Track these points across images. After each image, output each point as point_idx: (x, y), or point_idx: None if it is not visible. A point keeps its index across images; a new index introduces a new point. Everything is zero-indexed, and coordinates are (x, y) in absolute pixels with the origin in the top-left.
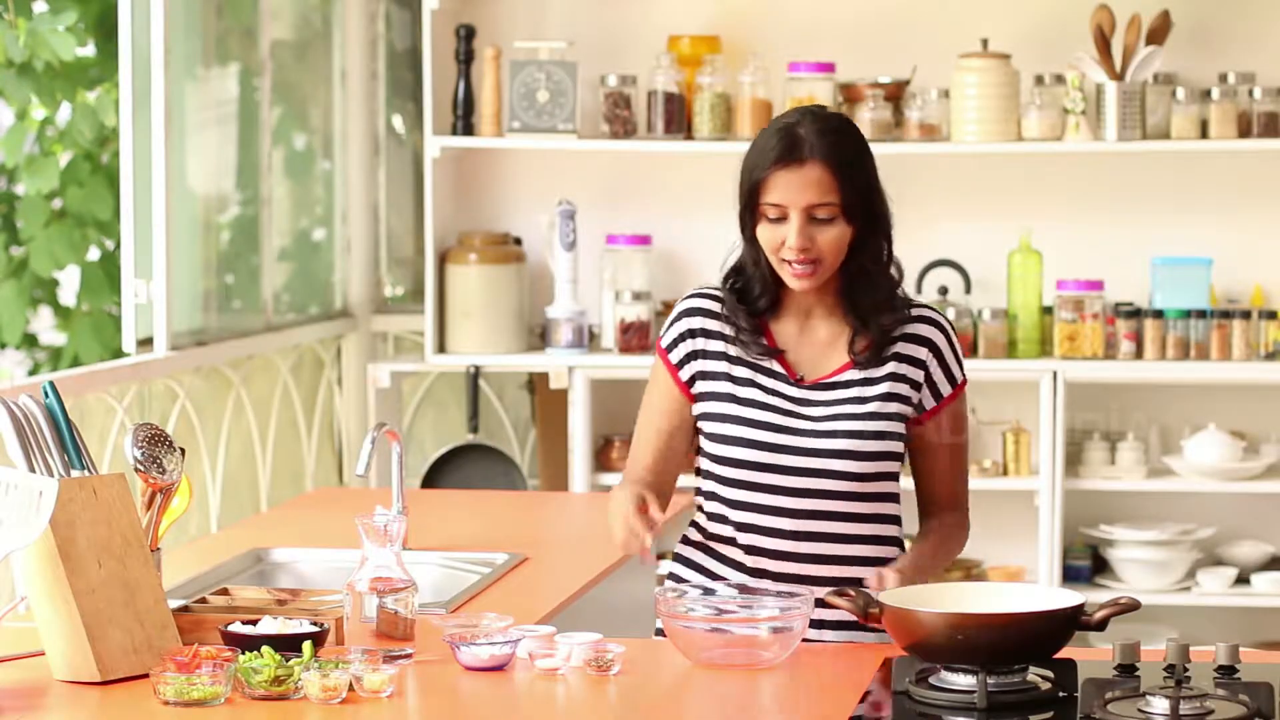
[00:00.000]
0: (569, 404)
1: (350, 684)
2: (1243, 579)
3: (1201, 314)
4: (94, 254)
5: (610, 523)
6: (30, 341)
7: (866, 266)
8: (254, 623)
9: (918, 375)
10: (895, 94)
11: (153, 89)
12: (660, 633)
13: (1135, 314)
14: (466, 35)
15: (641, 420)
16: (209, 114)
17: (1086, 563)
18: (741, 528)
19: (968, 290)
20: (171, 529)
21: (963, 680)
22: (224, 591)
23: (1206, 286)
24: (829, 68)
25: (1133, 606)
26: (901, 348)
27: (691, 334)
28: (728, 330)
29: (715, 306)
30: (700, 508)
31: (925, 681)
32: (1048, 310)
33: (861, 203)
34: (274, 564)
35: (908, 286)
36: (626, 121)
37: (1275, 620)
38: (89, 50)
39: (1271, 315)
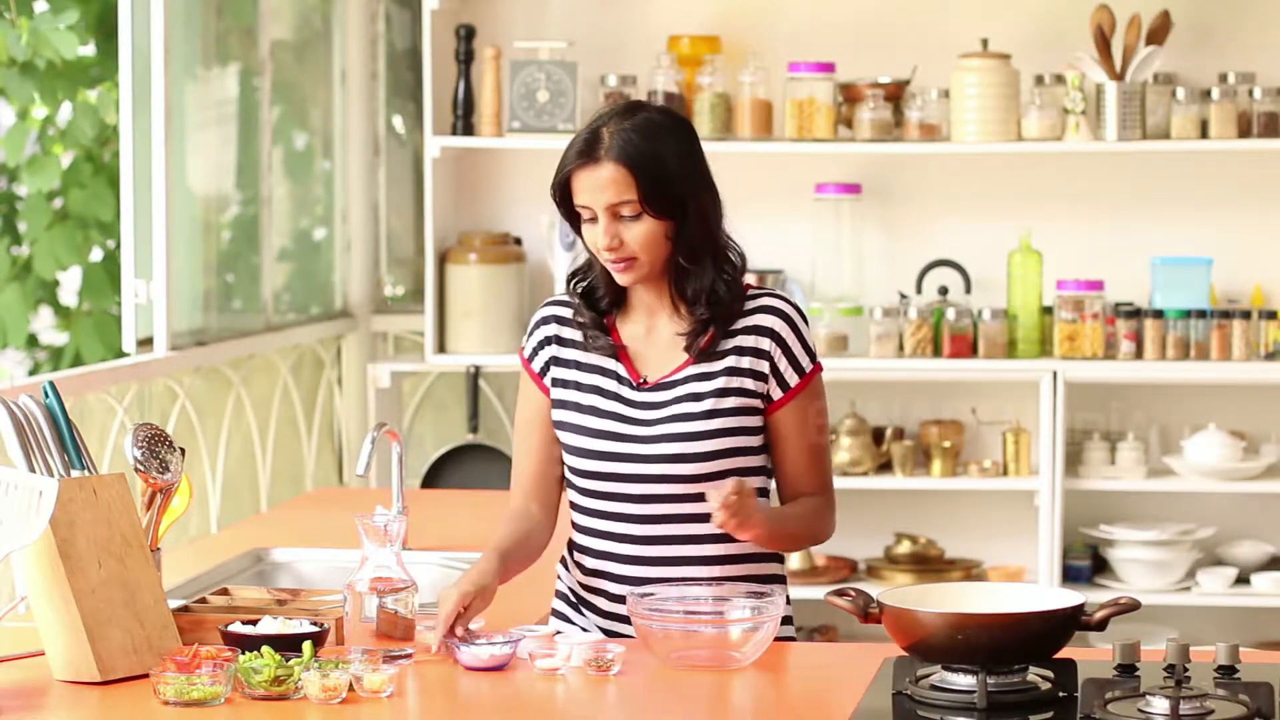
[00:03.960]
0: None
1: (350, 684)
2: (1243, 579)
3: (1201, 314)
4: (96, 255)
5: (440, 598)
6: (31, 341)
7: (681, 260)
8: (254, 623)
9: (762, 366)
10: (895, 94)
11: (153, 89)
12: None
13: (1135, 314)
14: (466, 35)
15: (517, 435)
16: (209, 114)
17: (1086, 563)
18: (592, 534)
19: (968, 290)
20: (171, 529)
21: (963, 680)
22: (224, 591)
23: (1206, 286)
24: (829, 68)
25: (1133, 606)
26: (742, 339)
27: (548, 341)
28: (579, 336)
29: (568, 313)
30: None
31: (925, 682)
32: (1048, 310)
33: (667, 198)
34: (274, 564)
35: (907, 286)
36: None
37: (1275, 620)
38: (90, 49)
39: (1271, 315)
